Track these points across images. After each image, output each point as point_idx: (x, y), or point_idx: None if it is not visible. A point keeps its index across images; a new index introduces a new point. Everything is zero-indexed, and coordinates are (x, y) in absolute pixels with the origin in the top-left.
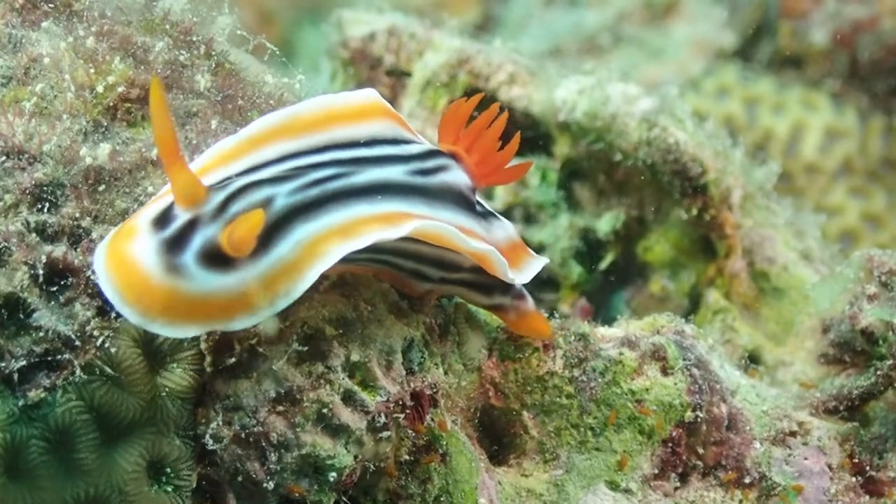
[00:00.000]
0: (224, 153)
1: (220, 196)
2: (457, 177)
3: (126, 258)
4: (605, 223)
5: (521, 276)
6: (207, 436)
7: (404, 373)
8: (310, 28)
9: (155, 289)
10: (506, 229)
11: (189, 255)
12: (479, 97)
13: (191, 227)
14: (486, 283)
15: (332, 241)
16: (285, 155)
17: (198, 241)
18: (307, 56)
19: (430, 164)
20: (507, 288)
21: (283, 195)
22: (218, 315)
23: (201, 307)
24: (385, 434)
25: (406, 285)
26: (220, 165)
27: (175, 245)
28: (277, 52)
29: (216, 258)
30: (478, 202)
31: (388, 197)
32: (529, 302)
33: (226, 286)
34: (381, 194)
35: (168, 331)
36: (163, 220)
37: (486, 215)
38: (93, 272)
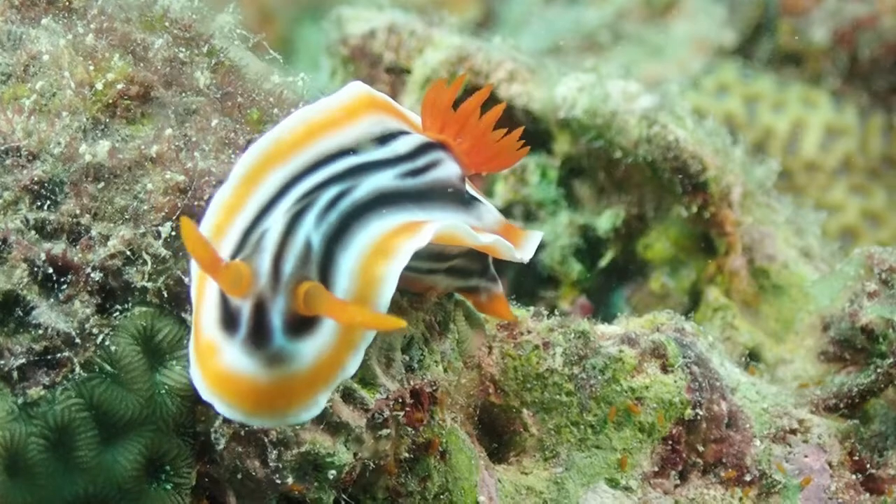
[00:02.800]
0: (226, 204)
1: (264, 262)
2: (448, 170)
3: (226, 377)
4: (605, 221)
5: (524, 253)
6: (207, 433)
7: (404, 370)
8: (310, 25)
9: (271, 388)
10: (492, 212)
11: (279, 339)
12: (462, 78)
13: (259, 311)
14: (468, 269)
15: (377, 263)
16: (283, 184)
17: (276, 320)
18: (307, 53)
19: (420, 162)
20: (483, 272)
21: (313, 230)
22: (333, 372)
23: (317, 375)
24: (384, 432)
25: (403, 281)
26: (229, 219)
27: (258, 337)
28: (274, 54)
29: (300, 325)
30: (466, 191)
31: (389, 207)
32: (500, 286)
33: (324, 345)
34: (382, 206)
35: (307, 414)
36: (228, 319)
37: (473, 202)
38: (208, 405)
